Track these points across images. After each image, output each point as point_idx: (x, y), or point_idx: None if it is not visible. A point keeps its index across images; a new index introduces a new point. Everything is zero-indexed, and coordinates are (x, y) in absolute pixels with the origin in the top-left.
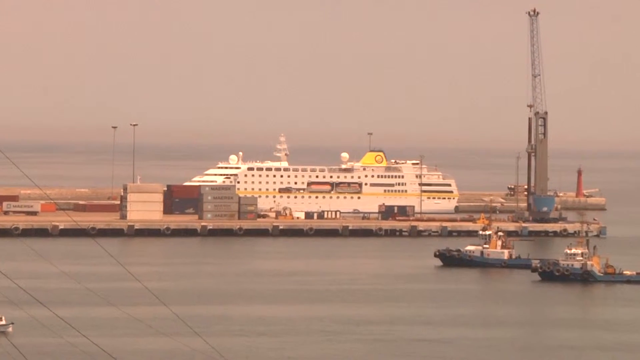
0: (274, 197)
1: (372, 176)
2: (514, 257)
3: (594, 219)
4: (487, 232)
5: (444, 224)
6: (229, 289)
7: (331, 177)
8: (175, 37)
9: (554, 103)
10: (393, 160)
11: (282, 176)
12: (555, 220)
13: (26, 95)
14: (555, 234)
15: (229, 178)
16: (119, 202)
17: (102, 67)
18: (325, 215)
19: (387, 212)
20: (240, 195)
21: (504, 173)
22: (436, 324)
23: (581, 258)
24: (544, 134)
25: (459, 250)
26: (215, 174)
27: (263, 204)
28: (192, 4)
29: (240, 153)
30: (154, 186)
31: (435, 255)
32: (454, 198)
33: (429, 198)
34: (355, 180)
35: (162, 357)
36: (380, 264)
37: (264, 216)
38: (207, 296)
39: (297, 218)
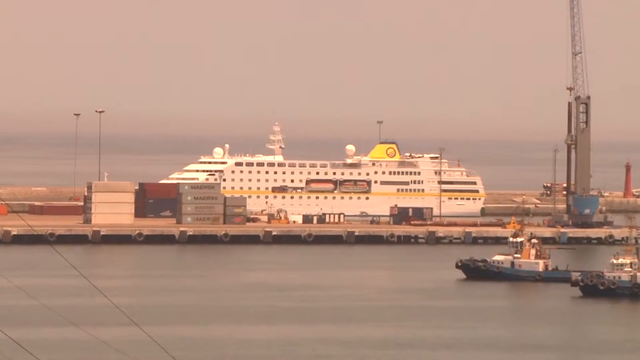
0: (267, 197)
1: (383, 173)
2: (550, 268)
3: None
4: (519, 239)
5: (468, 229)
6: (213, 306)
7: (334, 173)
8: (148, 10)
9: (599, 86)
10: (408, 154)
11: (275, 173)
12: (599, 225)
13: None
14: (600, 241)
15: (213, 175)
16: (82, 204)
17: (63, 46)
18: (327, 219)
19: (401, 215)
20: (226, 195)
21: (538, 169)
22: (459, 347)
23: (630, 269)
24: (587, 122)
25: (485, 261)
26: (197, 170)
27: (253, 205)
28: None
29: (227, 145)
30: (124, 184)
31: (457, 267)
32: (479, 199)
33: (450, 199)
34: (363, 177)
35: None
36: (392, 277)
37: (254, 220)
38: (187, 315)
39: (294, 222)
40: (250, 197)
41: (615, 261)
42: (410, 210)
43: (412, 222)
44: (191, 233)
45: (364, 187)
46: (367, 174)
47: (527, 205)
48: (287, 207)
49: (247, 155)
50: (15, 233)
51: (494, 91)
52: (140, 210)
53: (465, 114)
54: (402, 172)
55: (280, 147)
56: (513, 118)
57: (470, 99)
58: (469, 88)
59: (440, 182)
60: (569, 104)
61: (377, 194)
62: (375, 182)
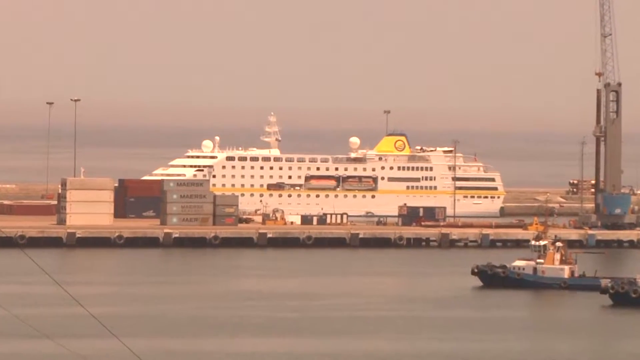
0: (261, 195)
1: (391, 168)
2: (577, 274)
3: None
4: (542, 242)
5: (485, 231)
6: (202, 316)
7: (336, 169)
8: None
9: (631, 71)
10: (418, 147)
11: (271, 168)
12: (631, 226)
13: None
14: (632, 244)
15: (202, 170)
16: (55, 203)
17: (34, 28)
18: (329, 220)
19: (410, 215)
20: (216, 193)
21: (564, 164)
22: None
23: None
24: (617, 111)
25: (504, 266)
26: (184, 166)
27: (246, 204)
28: None
29: (217, 138)
30: (102, 181)
31: (474, 273)
32: (498, 197)
33: (465, 197)
34: (369, 173)
35: None
36: (401, 285)
37: (247, 221)
38: (173, 326)
39: (291, 223)
40: (242, 195)
41: None
42: (421, 210)
43: (423, 223)
44: (177, 235)
45: (369, 184)
46: (373, 170)
47: (551, 205)
48: (284, 206)
49: (240, 148)
50: None
51: (514, 78)
52: (120, 210)
53: (482, 102)
54: (412, 168)
55: (277, 139)
56: (535, 107)
57: (487, 87)
58: (486, 74)
59: (455, 179)
60: (598, 91)
61: (384, 191)
62: (382, 178)
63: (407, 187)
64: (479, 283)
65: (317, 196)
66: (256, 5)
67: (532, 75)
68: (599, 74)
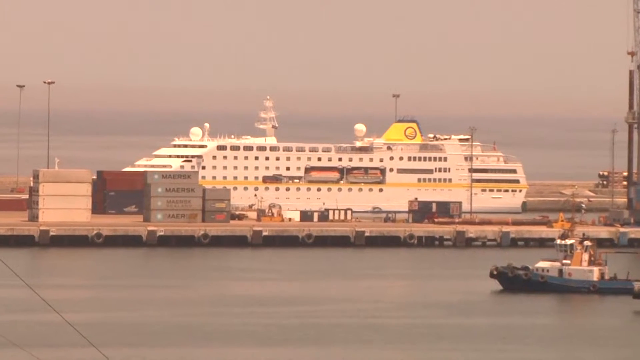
0: (256, 189)
1: (400, 158)
2: (607, 277)
3: None
4: (568, 241)
5: (505, 228)
6: (191, 324)
7: (340, 159)
8: None
9: None
10: (431, 135)
11: (267, 159)
12: None
13: None
14: None
15: (190, 161)
16: (26, 197)
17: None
18: (331, 216)
19: (422, 211)
20: (206, 186)
21: (593, 154)
22: None
23: None
24: None
25: (526, 268)
26: (169, 156)
27: (239, 199)
28: None
29: (206, 124)
30: (79, 173)
31: (493, 275)
32: (520, 190)
33: (483, 191)
34: (376, 164)
35: None
36: (412, 289)
37: (240, 217)
38: (158, 335)
39: (290, 220)
40: (235, 188)
41: None
42: (434, 205)
43: (436, 220)
44: (162, 233)
45: (376, 176)
46: (381, 160)
47: (578, 199)
48: (282, 201)
49: (232, 136)
50: None
51: (536, 58)
52: (99, 206)
53: (501, 85)
54: (424, 158)
55: (273, 126)
56: (561, 91)
57: (507, 68)
58: (507, 54)
59: (472, 170)
60: (630, 72)
61: (393, 184)
62: (391, 170)
63: (419, 180)
64: (499, 287)
65: (318, 190)
66: None
67: (557, 55)
68: (632, 54)
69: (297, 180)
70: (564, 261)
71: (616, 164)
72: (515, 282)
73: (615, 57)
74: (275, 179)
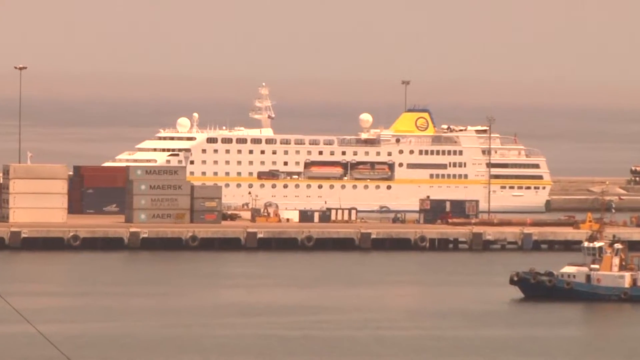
0: (250, 186)
1: (411, 152)
2: None
3: None
4: (597, 244)
5: (527, 229)
6: (179, 336)
7: (343, 153)
8: None
9: None
10: (445, 126)
11: (262, 152)
12: None
13: None
14: None
15: (177, 155)
16: None
17: None
18: (333, 217)
19: (435, 210)
20: (195, 183)
21: (625, 147)
22: None
23: None
24: None
25: (550, 274)
26: (154, 149)
27: (232, 197)
28: None
29: (195, 114)
30: (54, 168)
31: (513, 282)
32: (544, 188)
33: (503, 188)
34: (383, 158)
35: None
36: (425, 297)
37: (233, 217)
38: (143, 347)
39: (288, 221)
40: (227, 185)
41: None
42: (448, 203)
43: (450, 221)
44: (146, 235)
45: (384, 171)
46: (389, 154)
47: (608, 197)
48: (279, 199)
49: (224, 128)
50: None
51: (561, 43)
52: (76, 205)
53: (522, 71)
54: (437, 152)
55: (269, 116)
56: (589, 76)
57: (529, 52)
58: (527, 38)
59: (490, 165)
60: None
61: (402, 181)
62: (400, 164)
63: (431, 176)
64: (520, 294)
65: (320, 187)
66: None
67: (584, 40)
68: None
69: (296, 177)
70: (592, 266)
71: None
72: (538, 290)
73: None
74: (272, 175)
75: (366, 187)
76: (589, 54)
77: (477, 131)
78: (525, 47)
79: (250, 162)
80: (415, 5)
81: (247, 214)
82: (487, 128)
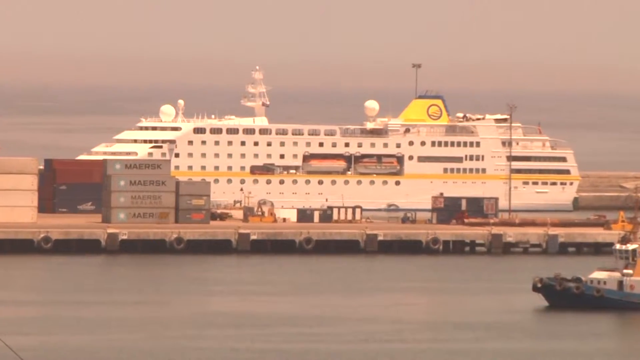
0: (242, 182)
1: (422, 144)
2: None
3: None
4: (631, 247)
5: (553, 230)
6: (163, 348)
7: (346, 145)
8: None
9: None
10: (460, 115)
11: (256, 144)
12: None
13: None
14: None
15: (160, 147)
16: None
17: None
18: (335, 216)
19: (449, 209)
20: (181, 178)
21: None
22: None
23: None
24: None
25: (578, 280)
26: (135, 140)
27: (222, 194)
28: None
29: (181, 102)
30: (22, 162)
31: (537, 289)
32: (571, 183)
33: (525, 184)
34: (391, 151)
35: None
36: (439, 306)
37: (222, 217)
38: None
39: (284, 221)
40: (216, 181)
41: None
42: (464, 201)
43: (466, 221)
44: (125, 237)
45: (392, 165)
46: (398, 146)
47: None
48: (274, 197)
49: (213, 116)
50: None
51: (589, 22)
52: (48, 202)
53: (547, 54)
54: (452, 143)
55: (264, 104)
56: (620, 60)
57: (554, 35)
58: (553, 19)
59: (511, 158)
60: None
61: (412, 176)
62: (410, 157)
63: (445, 170)
64: (544, 302)
65: (320, 183)
66: None
67: (615, 18)
68: None
69: (294, 171)
70: (625, 271)
71: None
72: (564, 298)
73: None
74: (266, 169)
75: (372, 182)
76: (621, 34)
77: (497, 120)
78: (550, 27)
79: (242, 155)
80: None
81: (238, 213)
82: (508, 117)
